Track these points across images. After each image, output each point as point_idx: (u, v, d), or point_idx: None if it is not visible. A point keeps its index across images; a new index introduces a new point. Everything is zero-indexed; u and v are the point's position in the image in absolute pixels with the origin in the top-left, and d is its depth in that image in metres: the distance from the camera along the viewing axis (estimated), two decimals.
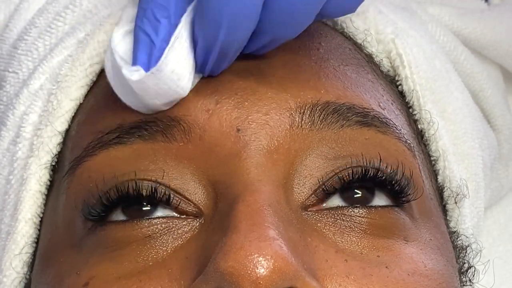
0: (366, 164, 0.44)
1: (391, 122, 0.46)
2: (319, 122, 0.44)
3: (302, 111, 0.44)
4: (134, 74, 0.42)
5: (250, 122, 0.43)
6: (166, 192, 0.43)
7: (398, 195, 0.45)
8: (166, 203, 0.43)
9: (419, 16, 0.57)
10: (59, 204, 0.47)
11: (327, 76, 0.46)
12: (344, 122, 0.44)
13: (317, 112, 0.44)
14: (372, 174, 0.44)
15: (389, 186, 0.44)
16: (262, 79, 0.45)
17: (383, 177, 0.44)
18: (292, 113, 0.44)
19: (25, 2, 0.55)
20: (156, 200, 0.43)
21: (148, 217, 0.43)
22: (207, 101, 0.44)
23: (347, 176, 0.43)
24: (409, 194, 0.45)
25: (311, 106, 0.44)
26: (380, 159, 0.44)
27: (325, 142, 0.44)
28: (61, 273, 0.44)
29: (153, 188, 0.43)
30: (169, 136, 0.43)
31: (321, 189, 0.43)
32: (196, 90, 0.44)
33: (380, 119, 0.46)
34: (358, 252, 0.42)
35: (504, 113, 0.62)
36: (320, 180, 0.43)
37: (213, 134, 0.43)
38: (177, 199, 0.43)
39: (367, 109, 0.45)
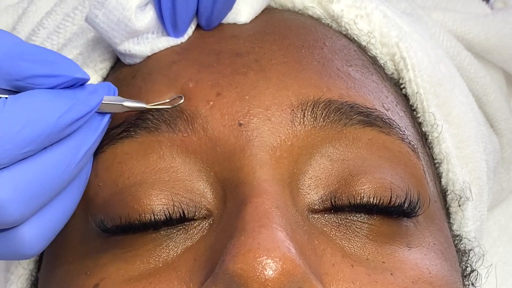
0: (376, 202, 0.43)
1: (395, 123, 0.46)
2: (321, 119, 0.44)
3: (304, 108, 0.44)
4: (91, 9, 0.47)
5: (251, 117, 0.44)
6: (179, 215, 0.43)
7: (407, 214, 0.45)
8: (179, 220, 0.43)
9: (425, 22, 0.58)
10: None
11: (330, 75, 0.46)
12: (347, 120, 0.44)
13: (319, 110, 0.44)
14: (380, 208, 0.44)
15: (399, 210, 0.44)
16: (263, 75, 0.45)
17: (392, 210, 0.44)
18: (293, 110, 0.44)
19: (33, 6, 0.56)
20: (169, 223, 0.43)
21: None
22: (207, 92, 0.44)
23: (357, 201, 0.43)
24: (417, 211, 0.45)
25: (313, 104, 0.44)
26: (390, 198, 0.43)
27: (328, 141, 0.44)
28: (70, 273, 0.44)
29: (167, 217, 0.43)
30: (173, 127, 0.44)
31: (329, 202, 0.43)
32: (196, 82, 0.45)
33: (383, 119, 0.46)
34: (364, 258, 0.42)
35: (507, 117, 0.62)
36: (330, 195, 0.43)
37: (215, 127, 0.43)
38: (187, 211, 0.43)
39: (370, 108, 0.45)
